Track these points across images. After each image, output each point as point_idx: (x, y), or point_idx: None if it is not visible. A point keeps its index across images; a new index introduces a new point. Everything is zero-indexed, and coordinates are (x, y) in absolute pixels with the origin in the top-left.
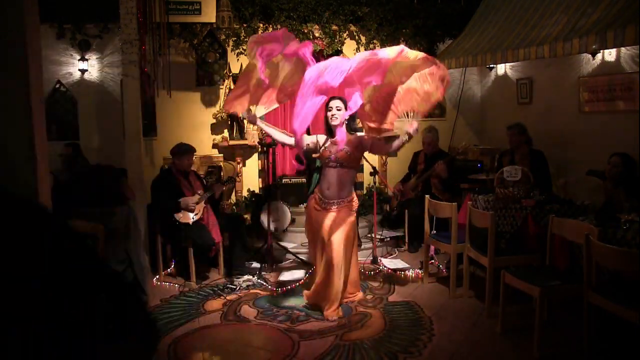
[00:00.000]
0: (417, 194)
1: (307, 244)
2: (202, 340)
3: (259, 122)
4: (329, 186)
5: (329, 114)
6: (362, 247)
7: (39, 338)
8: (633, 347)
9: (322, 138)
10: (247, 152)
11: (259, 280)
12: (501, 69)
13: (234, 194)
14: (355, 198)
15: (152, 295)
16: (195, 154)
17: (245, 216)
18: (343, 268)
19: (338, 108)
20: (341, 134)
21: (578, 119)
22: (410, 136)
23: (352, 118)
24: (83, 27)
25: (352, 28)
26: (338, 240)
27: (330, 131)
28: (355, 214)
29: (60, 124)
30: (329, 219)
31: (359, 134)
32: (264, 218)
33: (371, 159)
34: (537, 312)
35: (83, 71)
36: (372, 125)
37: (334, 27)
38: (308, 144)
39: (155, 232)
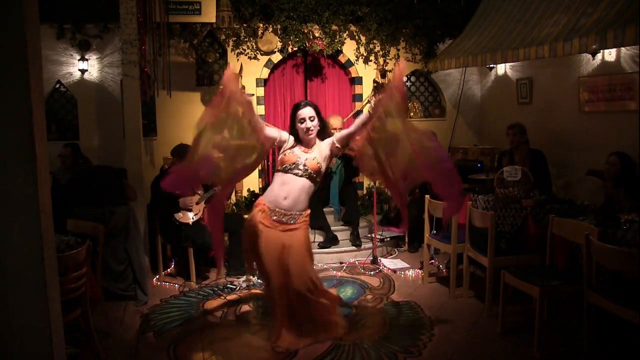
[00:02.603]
0: (413, 199)
1: None
2: (202, 340)
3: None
4: (287, 196)
5: (303, 125)
6: (362, 247)
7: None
8: (633, 347)
9: (288, 138)
10: None
11: (258, 280)
12: (501, 69)
13: (234, 194)
14: (309, 211)
15: (152, 295)
16: None
17: (245, 216)
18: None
19: (311, 118)
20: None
21: (578, 119)
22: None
23: (323, 125)
24: (83, 27)
25: (352, 28)
26: (309, 265)
27: (297, 137)
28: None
29: (60, 124)
30: (294, 239)
31: (326, 141)
32: None
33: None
34: (537, 312)
35: (83, 71)
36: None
37: (334, 27)
38: (274, 138)
39: (155, 232)
